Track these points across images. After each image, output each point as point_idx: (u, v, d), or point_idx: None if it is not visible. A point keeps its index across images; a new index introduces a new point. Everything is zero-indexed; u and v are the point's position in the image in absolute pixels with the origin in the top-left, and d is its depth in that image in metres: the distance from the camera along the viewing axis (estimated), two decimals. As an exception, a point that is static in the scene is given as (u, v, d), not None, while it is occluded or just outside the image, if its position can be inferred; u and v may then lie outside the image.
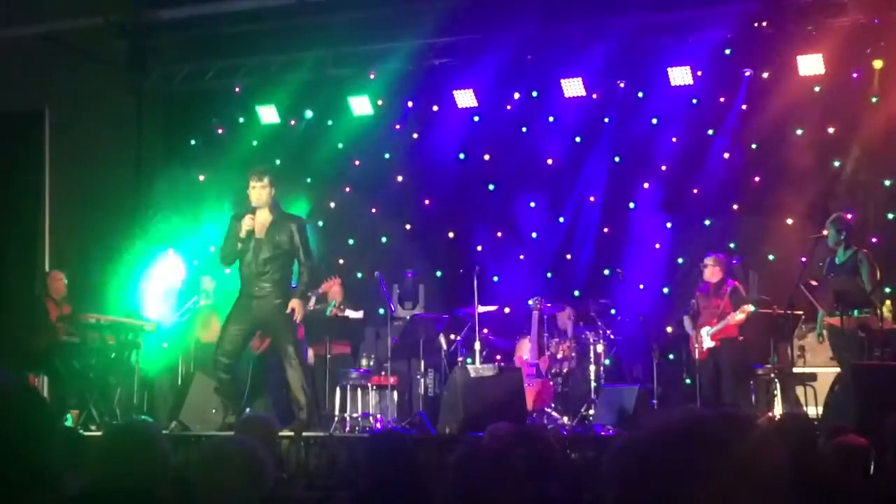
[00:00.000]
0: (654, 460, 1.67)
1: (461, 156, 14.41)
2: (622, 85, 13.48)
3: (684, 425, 1.71)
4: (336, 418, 11.05)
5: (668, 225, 13.46)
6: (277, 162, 14.25)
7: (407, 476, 4.12)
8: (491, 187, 14.33)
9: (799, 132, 12.82)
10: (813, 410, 10.35)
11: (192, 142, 14.80)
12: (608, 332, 12.10)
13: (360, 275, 14.08)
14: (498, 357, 12.49)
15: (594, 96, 13.43)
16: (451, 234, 14.43)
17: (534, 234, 14.09)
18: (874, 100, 12.35)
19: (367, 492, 4.21)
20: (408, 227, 14.50)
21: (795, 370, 10.96)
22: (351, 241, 14.71)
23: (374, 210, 14.65)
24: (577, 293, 13.30)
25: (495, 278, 13.68)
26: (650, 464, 1.68)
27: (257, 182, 9.63)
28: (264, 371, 11.22)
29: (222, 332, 9.77)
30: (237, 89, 14.41)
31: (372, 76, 13.80)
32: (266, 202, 9.65)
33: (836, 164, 12.53)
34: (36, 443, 1.67)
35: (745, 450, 1.66)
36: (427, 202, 14.52)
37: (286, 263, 9.72)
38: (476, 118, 14.17)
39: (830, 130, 12.66)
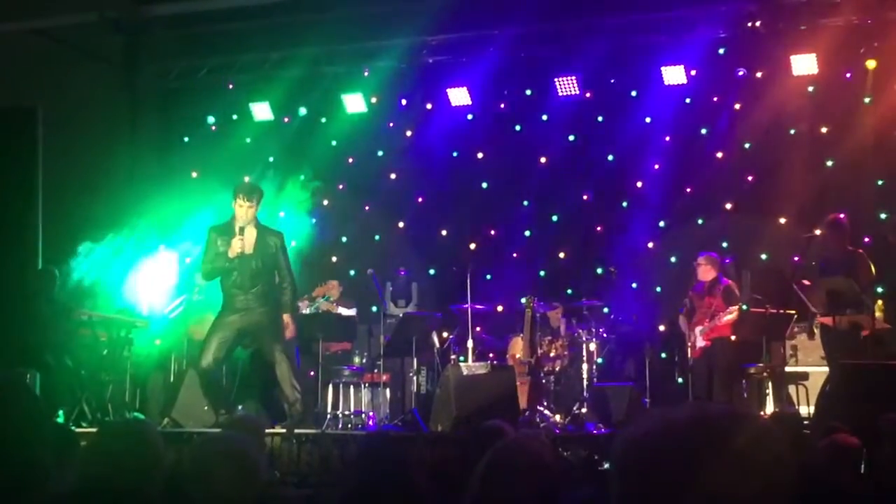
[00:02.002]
0: (659, 454, 1.68)
1: (455, 154, 14.41)
2: (616, 83, 13.48)
3: (688, 419, 1.71)
4: (329, 415, 11.05)
5: (661, 224, 13.48)
6: (271, 159, 14.26)
7: (397, 475, 4.11)
8: (484, 185, 14.33)
9: (792, 132, 12.84)
10: (805, 409, 10.37)
11: (186, 139, 14.77)
12: (601, 330, 12.12)
13: (353, 272, 14.07)
14: (490, 355, 12.47)
15: (588, 95, 13.43)
16: (444, 232, 14.42)
17: (527, 233, 14.09)
18: (867, 100, 12.37)
19: (356, 490, 4.21)
20: (401, 224, 14.50)
21: (788, 369, 10.97)
22: (344, 239, 14.70)
23: (367, 208, 14.64)
24: (569, 292, 13.30)
25: (488, 276, 13.67)
26: (655, 457, 1.68)
27: (245, 202, 9.57)
28: (255, 371, 11.21)
29: (207, 342, 9.75)
30: (230, 86, 14.39)
31: (366, 73, 13.81)
32: (252, 220, 9.63)
33: (829, 163, 12.54)
34: (27, 438, 1.67)
35: (749, 444, 1.67)
36: (420, 200, 14.51)
37: (272, 276, 9.77)
38: (470, 116, 14.16)
39: (823, 130, 12.68)
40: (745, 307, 11.04)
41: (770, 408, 10.52)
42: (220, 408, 9.83)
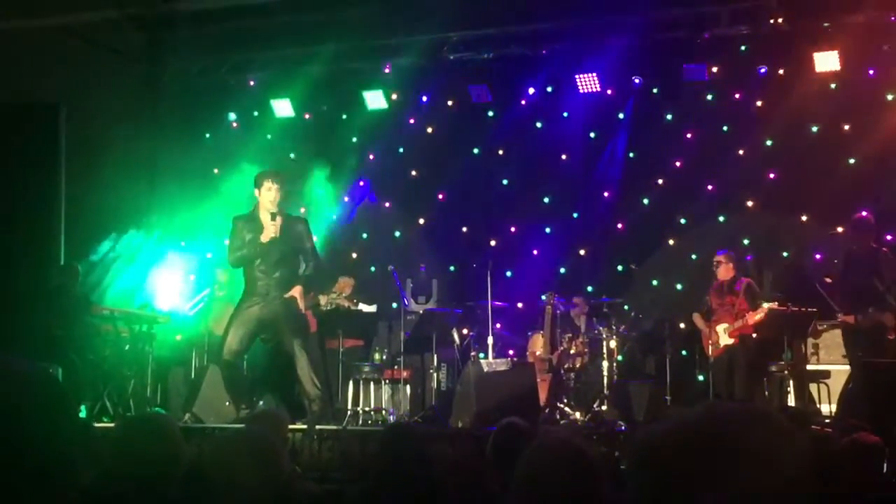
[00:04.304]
0: (673, 454, 1.68)
1: (475, 151, 14.41)
2: (637, 81, 13.45)
3: (703, 418, 1.71)
4: (349, 412, 11.06)
5: (683, 221, 13.44)
6: (292, 156, 14.29)
7: (418, 470, 4.13)
8: (505, 182, 14.32)
9: (814, 129, 12.78)
10: (826, 408, 10.34)
11: (207, 135, 14.82)
12: (621, 327, 12.09)
13: (373, 269, 14.10)
14: (511, 352, 12.50)
15: (609, 92, 13.41)
16: (464, 229, 14.42)
17: (547, 230, 14.08)
18: (890, 97, 12.31)
19: (378, 486, 4.22)
20: (421, 221, 14.52)
21: (809, 367, 10.93)
22: (364, 235, 14.73)
23: (387, 204, 14.66)
24: (590, 289, 13.28)
25: (508, 273, 13.68)
26: (669, 457, 1.68)
27: (273, 184, 9.66)
28: (275, 366, 11.24)
29: (227, 332, 9.80)
30: (252, 83, 14.43)
31: (387, 70, 13.82)
32: (276, 204, 9.72)
33: (852, 161, 12.48)
34: (57, 433, 1.68)
35: (765, 442, 1.66)
36: (441, 197, 14.52)
37: (294, 263, 9.83)
38: (490, 113, 14.16)
39: (846, 127, 12.62)
40: (766, 306, 10.98)
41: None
42: (242, 402, 9.87)
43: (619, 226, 13.80)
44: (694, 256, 13.17)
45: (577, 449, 3.43)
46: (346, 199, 14.60)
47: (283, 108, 14.22)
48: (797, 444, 1.68)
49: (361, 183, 14.26)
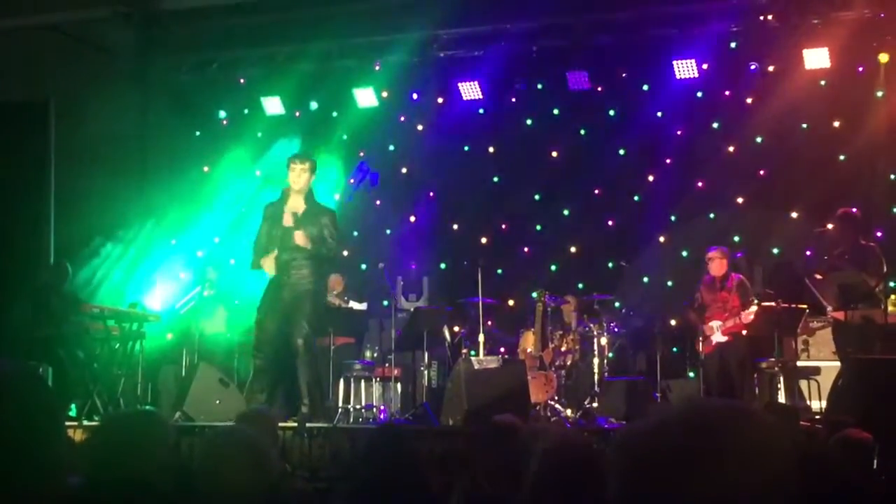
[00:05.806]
0: (657, 450, 1.67)
1: (466, 148, 14.40)
2: (627, 78, 13.45)
3: (687, 415, 1.70)
4: (340, 409, 11.06)
5: (673, 218, 13.45)
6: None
7: (407, 469, 4.12)
8: (495, 180, 14.33)
9: (804, 126, 12.80)
10: (816, 404, 10.36)
11: (197, 133, 14.79)
12: (612, 324, 12.09)
13: (364, 266, 14.09)
14: (502, 349, 12.49)
15: (599, 89, 13.41)
16: (455, 227, 14.42)
17: (538, 227, 14.08)
18: (879, 94, 12.33)
19: (366, 485, 4.22)
20: (412, 219, 14.50)
21: (799, 364, 10.94)
22: (355, 233, 14.71)
23: (378, 202, 14.65)
24: (581, 286, 13.28)
25: (499, 271, 13.67)
26: (653, 454, 1.68)
27: (298, 164, 9.82)
28: (278, 359, 11.20)
29: (257, 325, 9.86)
30: (242, 81, 14.40)
31: (377, 68, 13.79)
32: (303, 188, 9.74)
33: (842, 158, 12.51)
34: (42, 433, 1.67)
35: (750, 440, 1.65)
36: (431, 194, 14.51)
37: (315, 253, 9.77)
38: (481, 110, 14.14)
39: (836, 124, 12.64)
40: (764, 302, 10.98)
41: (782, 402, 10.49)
42: (257, 393, 9.84)
43: (610, 223, 13.80)
44: (684, 253, 13.19)
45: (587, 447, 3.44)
46: (337, 197, 14.57)
47: (273, 105, 14.19)
48: (781, 441, 1.68)
49: (351, 180, 14.23)
